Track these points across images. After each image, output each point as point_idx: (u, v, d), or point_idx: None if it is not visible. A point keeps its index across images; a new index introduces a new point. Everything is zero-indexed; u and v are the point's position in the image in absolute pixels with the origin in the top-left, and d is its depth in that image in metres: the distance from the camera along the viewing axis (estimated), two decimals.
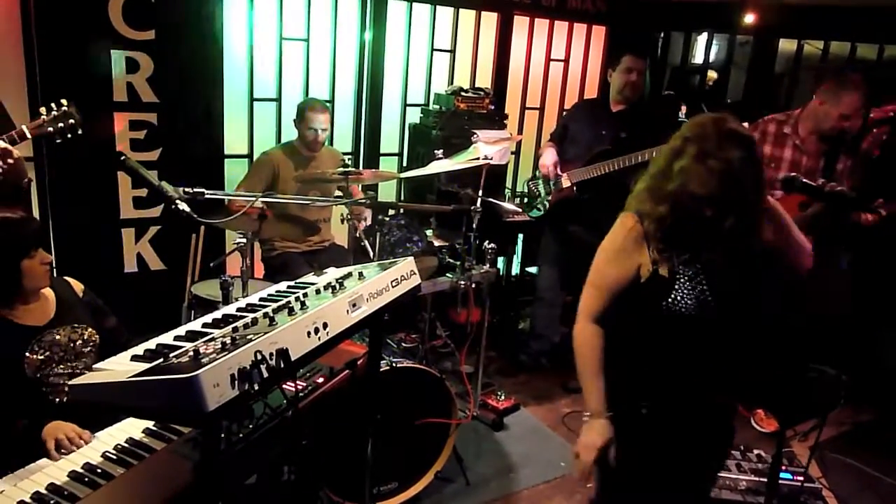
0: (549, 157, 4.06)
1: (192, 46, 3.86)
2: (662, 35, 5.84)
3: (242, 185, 3.75)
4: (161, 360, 1.25)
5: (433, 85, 4.92)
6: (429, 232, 3.71)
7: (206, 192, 1.89)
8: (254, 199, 1.81)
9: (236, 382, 1.17)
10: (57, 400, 2.03)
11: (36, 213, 3.61)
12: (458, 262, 3.37)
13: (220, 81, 4.03)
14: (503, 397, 3.82)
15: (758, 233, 1.72)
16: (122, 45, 3.66)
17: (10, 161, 2.42)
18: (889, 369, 4.18)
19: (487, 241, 3.50)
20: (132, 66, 3.71)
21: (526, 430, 3.72)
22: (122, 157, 1.79)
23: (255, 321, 1.41)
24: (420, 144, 4.63)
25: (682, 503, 1.93)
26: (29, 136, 2.45)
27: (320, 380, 1.85)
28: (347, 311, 1.53)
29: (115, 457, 1.53)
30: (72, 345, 2.10)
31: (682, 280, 1.71)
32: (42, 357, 2.02)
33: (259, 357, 1.22)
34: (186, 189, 1.85)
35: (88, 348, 2.14)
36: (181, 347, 1.34)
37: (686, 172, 1.62)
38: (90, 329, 2.17)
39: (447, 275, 3.37)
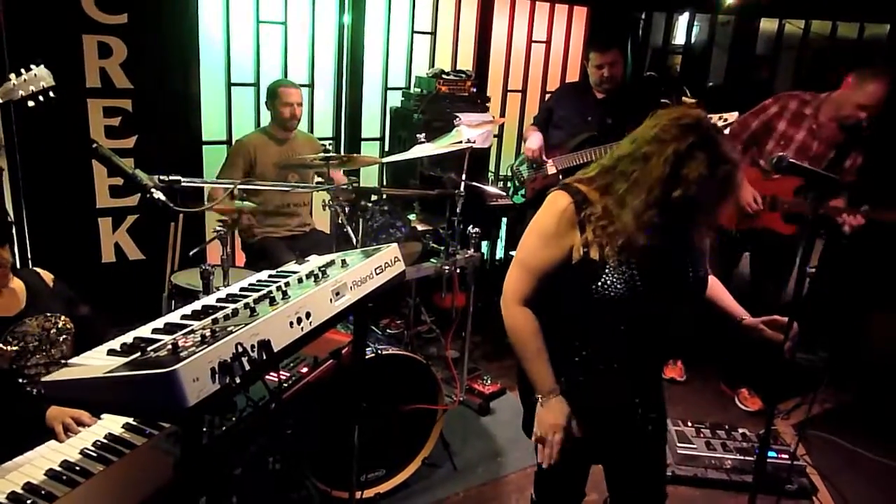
0: (535, 141, 4.03)
1: (167, 30, 3.77)
2: (644, 15, 5.81)
3: (221, 176, 3.69)
4: (138, 354, 1.21)
5: (414, 68, 4.86)
6: (412, 217, 3.67)
7: (182, 179, 1.84)
8: (232, 185, 1.76)
9: (217, 376, 1.14)
10: (35, 391, 1.99)
11: (8, 203, 3.53)
12: (443, 247, 3.34)
13: (196, 66, 3.95)
14: (489, 382, 3.81)
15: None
16: (94, 30, 3.56)
17: None
18: (870, 350, 4.24)
19: (471, 226, 3.47)
20: (105, 52, 3.62)
21: (512, 413, 3.71)
22: (95, 145, 1.73)
23: (235, 312, 1.37)
24: (402, 128, 4.57)
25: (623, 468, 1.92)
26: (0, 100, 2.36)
27: (304, 369, 1.81)
28: (331, 299, 1.49)
29: (94, 453, 1.49)
30: (45, 333, 2.06)
31: (611, 264, 1.64)
32: (16, 347, 1.98)
33: (240, 349, 1.19)
34: (162, 177, 1.80)
35: (63, 336, 2.11)
36: (159, 341, 1.30)
37: (700, 182, 1.50)
38: (63, 317, 2.14)
39: (431, 260, 3.34)
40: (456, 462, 3.17)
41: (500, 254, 5.19)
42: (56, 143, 3.52)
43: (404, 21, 4.77)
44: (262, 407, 1.60)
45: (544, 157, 4.01)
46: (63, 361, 1.94)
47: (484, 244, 4.81)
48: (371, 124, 4.80)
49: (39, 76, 2.37)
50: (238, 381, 1.18)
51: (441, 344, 3.90)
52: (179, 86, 3.89)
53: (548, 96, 5.16)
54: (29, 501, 1.35)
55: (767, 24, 5.37)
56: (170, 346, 1.19)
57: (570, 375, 1.77)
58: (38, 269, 2.24)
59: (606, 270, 1.64)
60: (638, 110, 1.90)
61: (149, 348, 1.23)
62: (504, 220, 4.91)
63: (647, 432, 1.85)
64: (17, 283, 2.10)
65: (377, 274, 1.68)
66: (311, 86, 4.49)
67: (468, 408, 3.66)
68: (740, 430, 3.37)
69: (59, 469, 1.44)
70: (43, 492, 1.37)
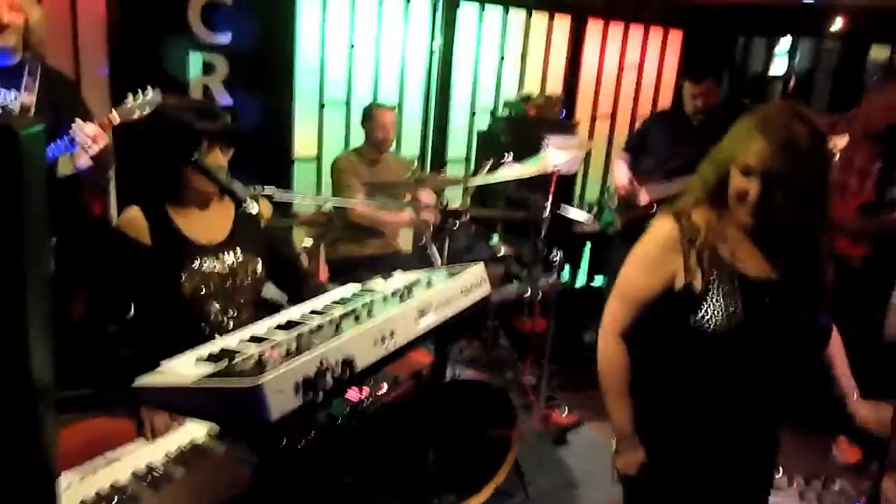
0: (622, 173, 3.92)
1: (267, 49, 3.91)
2: (742, 41, 5.60)
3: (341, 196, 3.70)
4: (225, 364, 1.22)
5: (503, 91, 4.85)
6: (495, 239, 3.63)
7: (276, 192, 1.87)
8: (322, 202, 1.78)
9: (300, 391, 1.13)
10: (207, 331, 1.93)
11: (114, 209, 3.72)
12: (525, 271, 3.28)
13: (290, 84, 4.08)
14: (566, 412, 3.69)
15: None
16: (200, 48, 3.74)
17: (102, 144, 2.45)
18: None
19: (555, 250, 3.40)
20: (208, 69, 3.79)
21: (589, 447, 3.58)
22: (194, 158, 1.78)
23: (320, 327, 1.36)
24: (488, 150, 4.56)
25: None
26: (118, 119, 2.48)
27: (384, 388, 1.80)
28: (415, 319, 1.47)
29: (177, 458, 1.51)
30: (232, 273, 1.98)
31: (714, 293, 1.53)
32: (200, 278, 1.92)
33: (324, 365, 1.17)
34: (255, 187, 1.83)
35: (248, 281, 2.02)
36: (245, 352, 1.31)
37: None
38: (258, 260, 2.04)
39: (513, 283, 3.29)
40: (529, 491, 3.08)
41: (581, 280, 5.07)
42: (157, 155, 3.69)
43: (494, 44, 4.78)
44: (342, 422, 1.59)
45: (636, 185, 3.90)
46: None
47: (566, 270, 4.71)
48: (457, 146, 4.82)
49: (153, 99, 2.48)
50: (321, 397, 1.16)
51: (518, 369, 3.82)
52: (274, 103, 4.02)
53: (639, 122, 5.04)
54: (115, 500, 1.38)
55: (878, 52, 5.07)
56: (255, 358, 1.19)
57: (654, 418, 1.68)
58: (261, 200, 2.04)
59: (708, 299, 1.54)
60: None
61: (235, 358, 1.24)
62: (588, 246, 4.80)
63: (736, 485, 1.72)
64: (227, 208, 2.01)
65: (463, 295, 1.64)
66: (399, 106, 4.56)
67: (544, 437, 3.56)
68: (838, 485, 3.12)
69: (143, 471, 1.47)
70: (128, 492, 1.40)
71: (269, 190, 1.88)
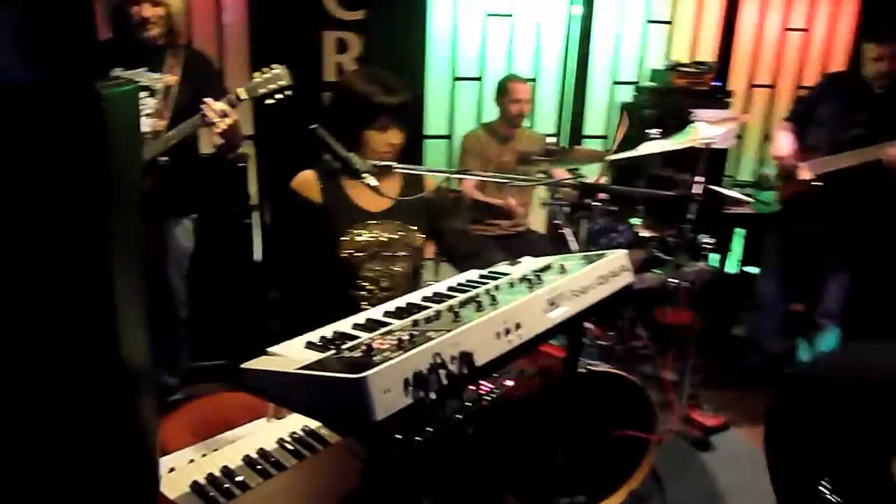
0: (785, 143, 3.47)
1: (400, 25, 3.84)
2: None
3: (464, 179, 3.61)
4: (333, 351, 1.11)
5: (647, 60, 4.48)
6: (636, 221, 3.34)
7: (395, 165, 1.76)
8: (446, 174, 1.65)
9: (410, 388, 0.99)
10: (356, 297, 2.01)
11: (254, 190, 3.81)
12: (669, 257, 2.98)
13: (422, 60, 3.98)
14: (711, 413, 3.36)
15: None
16: (334, 26, 3.72)
17: (229, 121, 2.51)
18: None
19: (703, 235, 3.06)
20: (342, 47, 3.77)
21: (736, 453, 3.23)
22: (314, 127, 1.71)
23: (437, 315, 1.22)
24: (630, 125, 4.22)
25: None
26: (245, 96, 2.53)
27: (509, 382, 1.63)
28: (545, 310, 1.29)
29: (289, 446, 1.45)
30: (390, 242, 2.04)
31: None
32: (359, 243, 2.00)
33: (438, 360, 1.03)
34: (375, 162, 1.73)
35: (406, 252, 2.07)
36: (356, 338, 1.19)
37: None
38: (418, 233, 2.09)
39: (655, 270, 3.01)
40: (668, 500, 2.81)
41: (733, 268, 4.62)
42: (291, 134, 3.74)
43: (639, 10, 4.42)
44: (461, 418, 1.45)
45: (796, 161, 3.44)
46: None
47: (714, 256, 4.30)
48: (595, 121, 4.52)
49: (279, 75, 2.49)
50: (433, 395, 1.02)
51: (657, 364, 3.52)
52: (406, 80, 3.92)
53: (803, 91, 4.48)
54: (225, 485, 1.32)
55: None
56: (364, 348, 1.06)
57: None
58: (430, 174, 2.20)
59: None
60: None
61: (344, 346, 1.12)
62: (740, 231, 4.35)
63: None
64: (395, 180, 2.10)
65: (600, 284, 1.44)
66: (535, 80, 4.33)
67: (685, 440, 3.25)
68: None
69: (255, 457, 1.41)
70: (237, 478, 1.34)
71: (388, 162, 1.77)
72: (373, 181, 1.65)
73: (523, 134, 3.73)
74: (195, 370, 3.12)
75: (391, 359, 0.99)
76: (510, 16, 4.18)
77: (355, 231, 2.01)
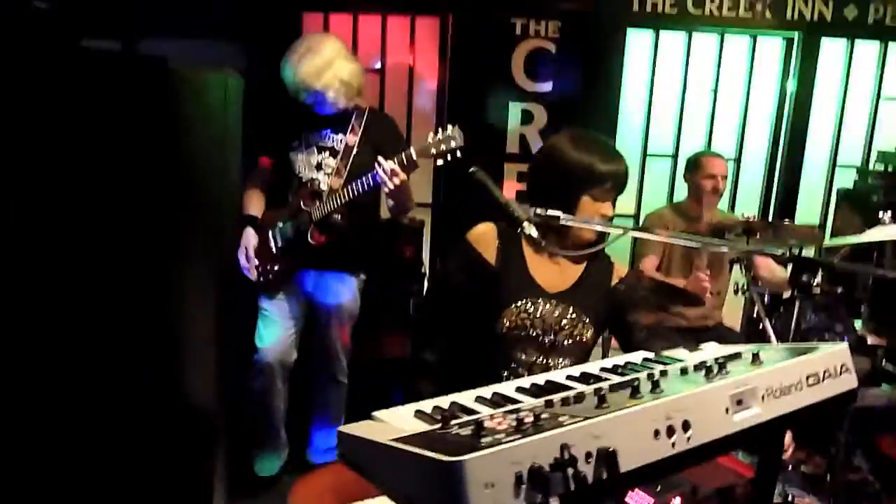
0: None
1: (589, 98, 3.69)
2: None
3: (643, 257, 3.29)
4: (440, 425, 0.89)
5: (877, 141, 3.88)
6: (858, 323, 2.76)
7: (562, 216, 1.54)
8: (621, 231, 1.39)
9: (523, 488, 0.73)
10: (505, 374, 1.77)
11: (426, 252, 3.77)
12: None
13: (612, 135, 3.77)
14: None
15: None
16: (520, 97, 3.67)
17: (397, 181, 2.46)
18: None
19: None
20: (527, 117, 3.69)
21: None
22: (473, 170, 1.57)
23: (580, 397, 0.96)
24: (853, 213, 3.64)
25: None
26: (415, 156, 2.47)
27: (676, 500, 1.28)
28: (727, 409, 0.96)
29: None
30: (556, 329, 1.80)
31: None
32: (523, 320, 1.77)
33: (567, 455, 0.76)
34: (538, 211, 1.53)
35: (570, 343, 1.81)
36: (475, 413, 0.96)
37: None
38: (590, 328, 1.83)
39: (884, 386, 2.42)
40: None
41: None
42: (470, 202, 3.68)
43: (867, 85, 3.87)
44: None
45: None
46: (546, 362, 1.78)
47: None
48: (809, 209, 3.96)
49: (451, 136, 2.41)
50: (556, 500, 0.75)
51: None
52: None
53: None
54: None
55: None
56: (473, 426, 0.83)
57: None
58: (616, 262, 1.95)
59: None
60: None
61: (454, 421, 0.90)
62: None
63: None
64: (579, 263, 1.89)
65: (810, 385, 1.08)
66: (738, 160, 3.92)
67: None
68: None
69: None
70: None
71: (553, 212, 1.55)
72: (533, 231, 1.45)
73: (716, 216, 3.31)
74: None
75: (502, 443, 0.75)
76: (714, 91, 3.86)
77: (521, 305, 1.77)
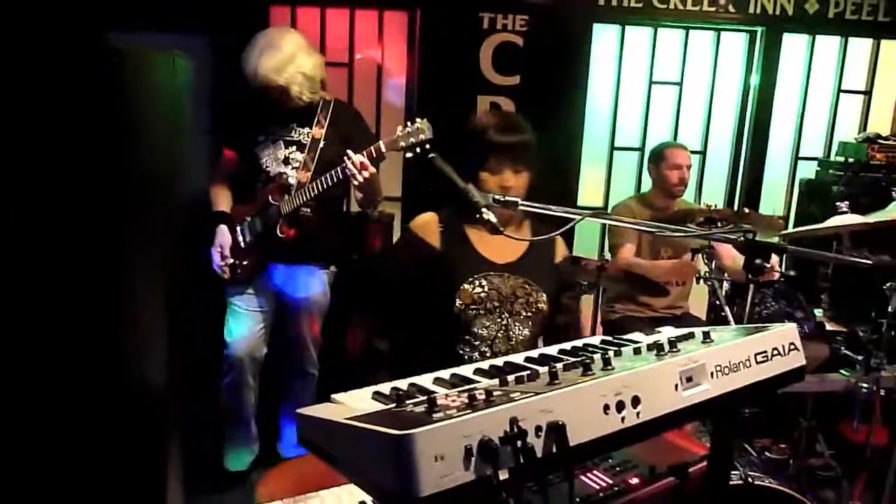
0: None
1: (557, 91, 3.72)
2: None
3: (620, 247, 3.31)
4: (394, 405, 0.90)
5: (837, 132, 3.97)
6: (818, 311, 2.83)
7: (522, 202, 1.55)
8: (580, 217, 1.40)
9: (473, 460, 0.75)
10: (466, 357, 1.80)
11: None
12: (861, 357, 2.46)
13: (580, 128, 3.81)
14: None
15: None
16: (488, 91, 3.69)
17: (366, 174, 2.44)
18: None
19: None
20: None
21: None
22: (431, 156, 1.58)
23: (534, 375, 0.97)
24: (814, 204, 3.72)
25: None
26: (384, 149, 2.46)
27: (634, 481, 1.31)
28: (677, 385, 0.99)
29: None
30: (512, 299, 1.83)
31: None
32: (476, 297, 1.80)
33: (516, 429, 0.78)
34: (496, 196, 1.54)
35: (528, 313, 1.85)
36: (430, 393, 0.98)
37: None
38: (544, 296, 1.86)
39: (842, 372, 2.49)
40: None
41: None
42: (439, 196, 3.69)
43: (828, 79, 3.96)
44: None
45: None
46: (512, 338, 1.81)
47: None
48: (771, 199, 4.04)
49: (420, 129, 2.40)
50: (504, 476, 0.77)
51: (843, 490, 2.88)
52: (561, 147, 3.78)
53: None
54: None
55: None
56: (426, 403, 0.84)
57: None
58: (558, 239, 1.96)
59: None
60: None
61: (409, 400, 0.91)
62: None
63: None
64: (523, 233, 1.91)
65: (759, 362, 1.11)
66: (703, 153, 3.99)
67: None
68: None
69: None
70: None
71: (513, 198, 1.57)
72: (492, 217, 1.47)
73: (683, 206, 3.37)
74: None
75: (452, 417, 0.76)
76: (678, 84, 3.91)
77: (473, 280, 1.81)
